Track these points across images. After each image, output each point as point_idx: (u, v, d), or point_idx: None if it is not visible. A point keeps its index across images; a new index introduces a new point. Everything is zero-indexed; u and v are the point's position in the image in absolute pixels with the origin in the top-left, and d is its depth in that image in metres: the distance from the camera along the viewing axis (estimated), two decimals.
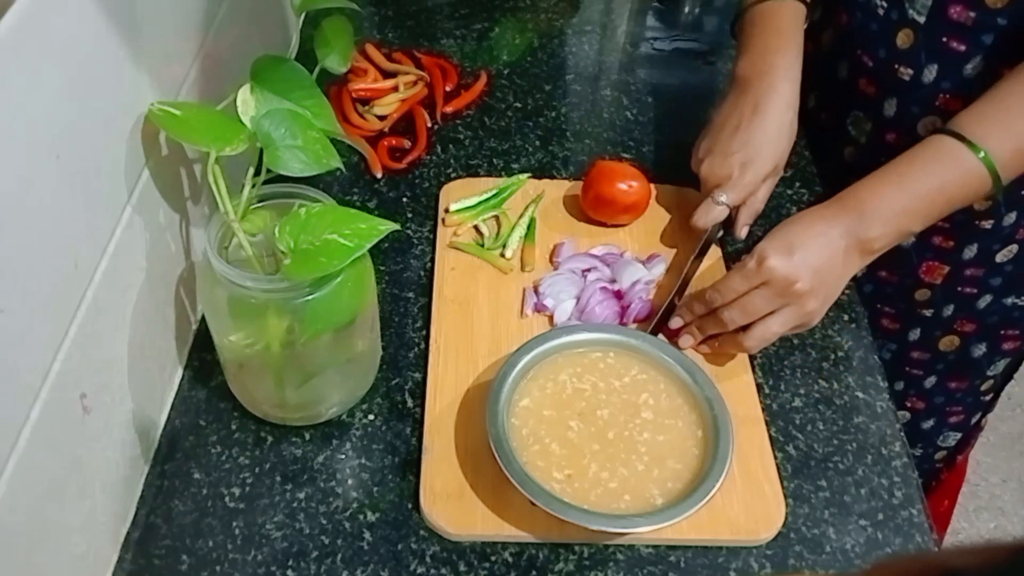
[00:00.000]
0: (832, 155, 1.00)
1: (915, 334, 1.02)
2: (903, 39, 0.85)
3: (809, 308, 0.76)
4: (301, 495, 0.72)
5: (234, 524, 0.70)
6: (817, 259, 0.75)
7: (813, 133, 1.02)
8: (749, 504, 0.72)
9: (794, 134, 0.87)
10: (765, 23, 0.88)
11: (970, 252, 0.93)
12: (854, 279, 0.99)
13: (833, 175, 0.96)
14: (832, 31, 0.95)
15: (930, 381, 1.06)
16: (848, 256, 0.76)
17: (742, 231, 0.89)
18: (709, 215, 0.86)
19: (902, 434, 0.79)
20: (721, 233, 0.90)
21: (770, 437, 0.77)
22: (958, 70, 0.83)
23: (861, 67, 0.91)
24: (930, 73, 0.85)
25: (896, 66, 0.87)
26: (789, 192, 0.99)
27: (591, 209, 0.92)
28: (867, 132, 0.94)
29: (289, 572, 0.68)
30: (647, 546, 0.70)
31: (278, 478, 0.73)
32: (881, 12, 0.86)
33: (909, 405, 1.09)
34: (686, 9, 1.25)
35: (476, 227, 0.92)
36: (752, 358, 0.82)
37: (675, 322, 0.81)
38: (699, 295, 0.79)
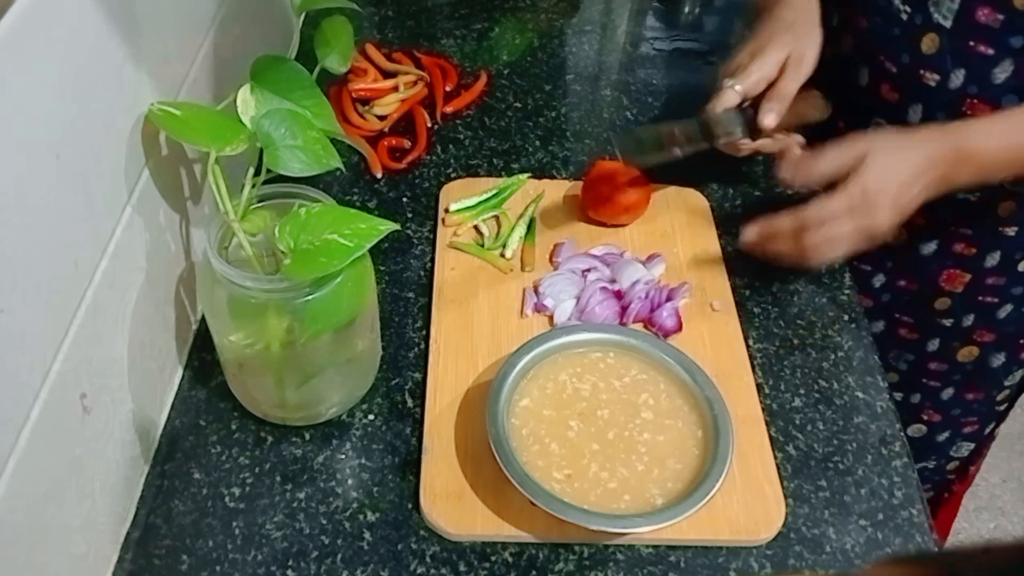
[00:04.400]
0: None
1: (933, 344, 1.00)
2: (928, 44, 0.83)
3: (878, 233, 0.76)
4: (301, 495, 0.72)
5: (234, 524, 0.70)
6: (905, 201, 0.75)
7: (831, 141, 1.00)
8: (749, 504, 0.72)
9: (816, 28, 0.86)
10: None
11: (992, 260, 0.92)
12: (871, 287, 0.98)
13: None
14: (851, 36, 0.92)
15: (947, 393, 1.04)
16: (926, 191, 0.77)
17: (766, 118, 0.85)
18: (720, 99, 0.84)
19: (902, 434, 0.79)
20: (740, 136, 0.86)
21: (770, 437, 0.76)
22: (986, 74, 0.81)
23: (883, 73, 0.88)
24: (957, 78, 0.83)
25: (921, 71, 0.85)
26: (790, 192, 0.98)
27: (591, 209, 0.92)
28: None
29: (289, 572, 0.68)
30: (647, 546, 0.70)
31: (278, 478, 0.73)
32: (904, 17, 0.84)
33: (925, 418, 1.07)
34: (686, 9, 1.25)
35: (476, 227, 0.92)
36: (752, 358, 0.82)
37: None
38: (794, 215, 0.77)
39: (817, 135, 0.96)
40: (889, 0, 0.84)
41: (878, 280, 0.98)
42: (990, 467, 1.87)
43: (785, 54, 0.85)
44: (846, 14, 0.92)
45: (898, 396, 1.05)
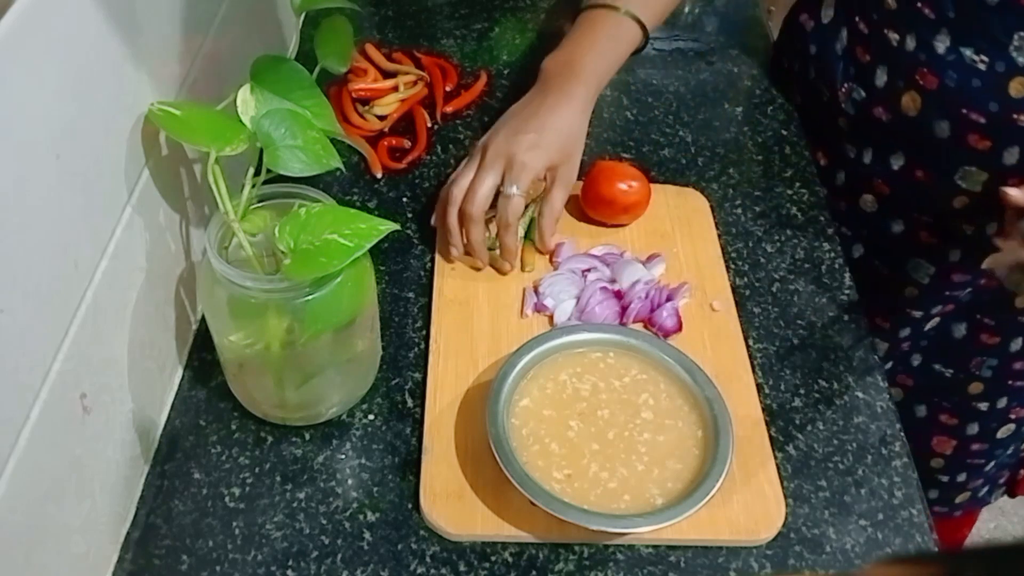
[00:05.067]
0: (935, 204, 0.94)
1: (1016, 344, 0.99)
2: (1017, 88, 0.81)
3: None
4: (301, 495, 0.72)
5: (234, 524, 0.70)
6: None
7: (905, 191, 0.95)
8: (749, 504, 0.72)
9: (582, 142, 0.86)
10: (586, 27, 0.88)
11: None
12: (956, 295, 0.97)
13: (941, 219, 0.93)
14: (916, 95, 0.88)
15: None
16: None
17: (549, 242, 0.86)
18: (507, 208, 0.82)
19: (902, 434, 0.79)
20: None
21: (770, 437, 0.76)
22: None
23: (969, 125, 0.85)
24: None
25: (1014, 116, 0.82)
26: (789, 192, 0.99)
27: (591, 209, 0.92)
28: (982, 182, 0.88)
29: (289, 572, 0.68)
30: (647, 546, 0.70)
31: (278, 478, 0.73)
32: (983, 67, 0.82)
33: (1012, 416, 1.06)
34: (686, 9, 1.25)
35: None
36: (752, 358, 0.82)
37: None
38: None
39: (895, 186, 0.94)
40: (959, 54, 0.82)
41: (963, 285, 0.97)
42: None
43: (560, 157, 0.84)
44: (906, 74, 0.88)
45: (983, 406, 1.04)
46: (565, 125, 0.84)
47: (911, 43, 0.86)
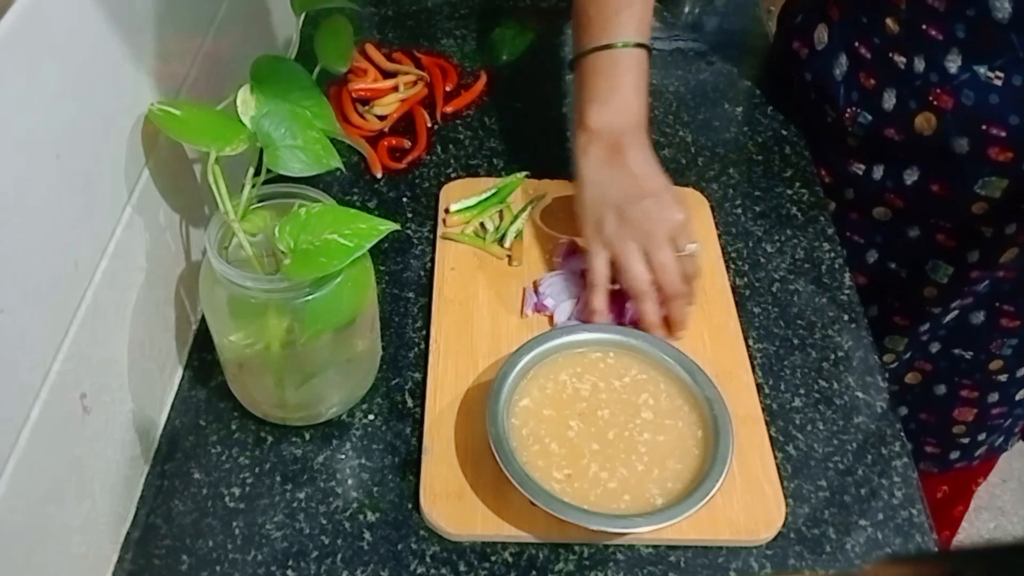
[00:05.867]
0: (953, 212, 0.94)
1: None
2: None
3: None
4: (301, 495, 0.72)
5: (234, 524, 0.70)
6: None
7: (920, 203, 0.95)
8: (749, 504, 0.72)
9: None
10: (603, 76, 0.83)
11: None
12: (971, 285, 0.97)
13: (959, 224, 0.93)
14: (930, 115, 0.87)
15: None
16: None
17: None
18: (693, 266, 0.81)
19: (902, 434, 0.79)
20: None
21: (770, 437, 0.76)
22: None
23: (990, 140, 0.84)
24: None
25: None
26: (789, 192, 0.99)
27: None
28: (1002, 188, 0.88)
29: (289, 572, 0.68)
30: (647, 546, 0.70)
31: (278, 478, 0.73)
32: (999, 83, 0.81)
33: None
34: (686, 9, 1.25)
35: (482, 224, 0.91)
36: (752, 358, 0.82)
37: None
38: None
39: (910, 199, 0.93)
40: (973, 72, 0.82)
41: (982, 280, 0.97)
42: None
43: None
44: (917, 95, 0.87)
45: (1003, 378, 1.05)
46: (658, 171, 0.82)
47: (920, 65, 0.85)
